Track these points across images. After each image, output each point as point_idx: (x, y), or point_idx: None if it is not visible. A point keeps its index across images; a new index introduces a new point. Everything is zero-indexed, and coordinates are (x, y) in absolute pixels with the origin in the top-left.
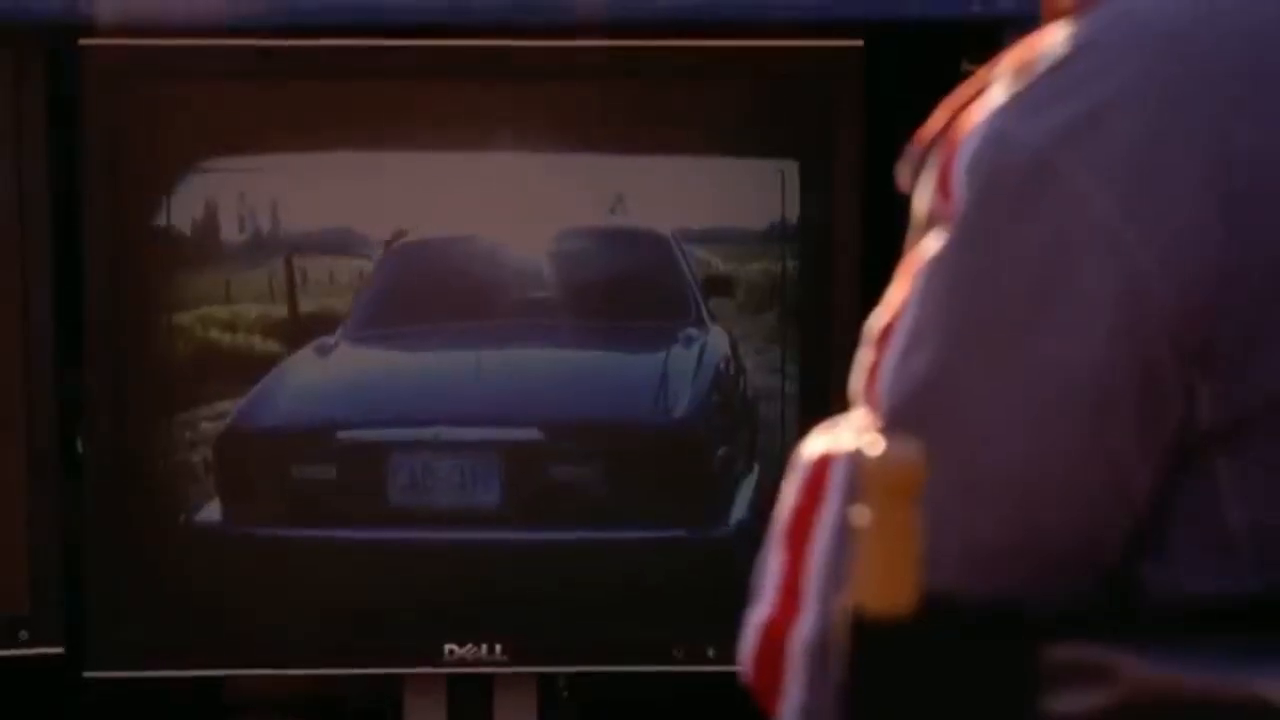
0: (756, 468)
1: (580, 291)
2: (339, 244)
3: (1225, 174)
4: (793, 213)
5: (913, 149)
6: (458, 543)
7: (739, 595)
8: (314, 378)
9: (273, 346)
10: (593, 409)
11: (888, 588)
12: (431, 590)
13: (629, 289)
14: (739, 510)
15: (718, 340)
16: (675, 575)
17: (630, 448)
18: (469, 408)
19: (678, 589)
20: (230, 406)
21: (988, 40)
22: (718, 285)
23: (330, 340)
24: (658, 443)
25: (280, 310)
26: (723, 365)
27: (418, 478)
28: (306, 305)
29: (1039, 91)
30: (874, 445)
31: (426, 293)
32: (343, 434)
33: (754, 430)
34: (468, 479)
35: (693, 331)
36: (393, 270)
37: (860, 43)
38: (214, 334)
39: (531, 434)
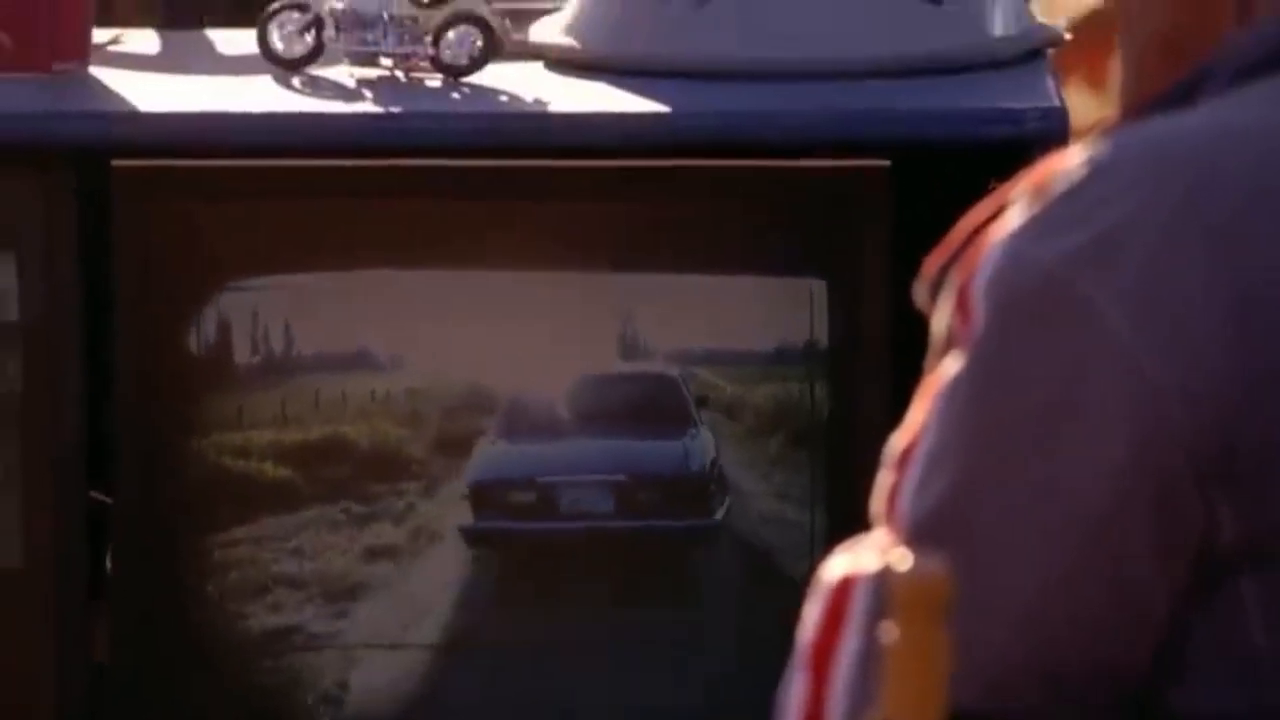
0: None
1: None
2: (353, 364)
3: (1238, 288)
4: (821, 331)
5: (930, 269)
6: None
7: None
8: None
9: (284, 472)
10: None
11: (916, 705)
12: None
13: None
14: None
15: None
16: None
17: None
18: None
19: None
20: (245, 533)
21: (1015, 159)
22: (730, 409)
23: None
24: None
25: (293, 434)
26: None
27: None
28: (319, 429)
29: (1055, 214)
30: (902, 561)
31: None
32: None
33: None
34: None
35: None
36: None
37: (887, 162)
38: (226, 459)
39: None
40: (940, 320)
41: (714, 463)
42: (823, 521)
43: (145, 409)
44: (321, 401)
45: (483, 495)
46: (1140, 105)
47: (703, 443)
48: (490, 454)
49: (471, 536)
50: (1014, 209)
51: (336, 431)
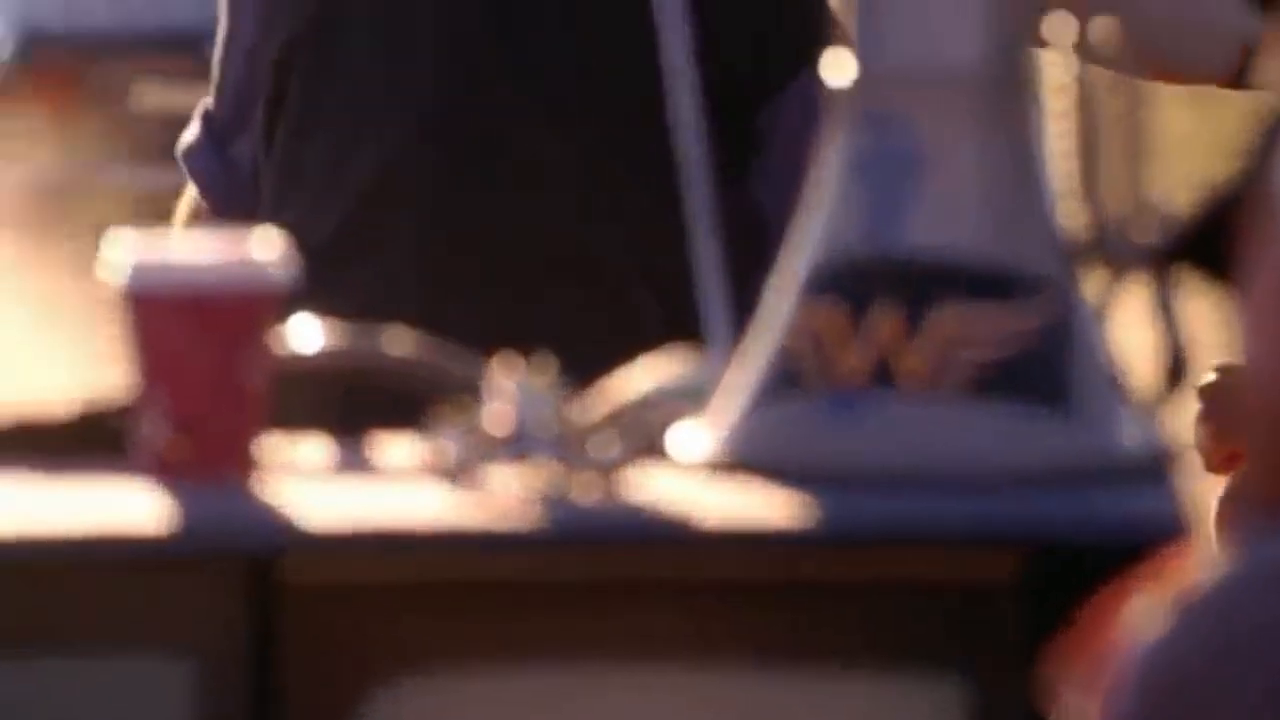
0: None
1: None
2: None
3: None
4: None
5: (1056, 664)
6: None
7: None
8: None
9: None
10: None
11: None
12: None
13: None
14: None
15: None
16: None
17: None
18: None
19: None
20: None
21: (1142, 561)
22: None
23: None
24: None
25: None
26: None
27: None
28: None
29: (1192, 617)
30: None
31: None
32: None
33: None
34: None
35: None
36: None
37: (1017, 558)
38: None
39: None
40: (1068, 713)
41: None
42: None
43: None
44: None
45: None
46: (1269, 507)
47: None
48: None
49: None
50: (1149, 606)
51: None
